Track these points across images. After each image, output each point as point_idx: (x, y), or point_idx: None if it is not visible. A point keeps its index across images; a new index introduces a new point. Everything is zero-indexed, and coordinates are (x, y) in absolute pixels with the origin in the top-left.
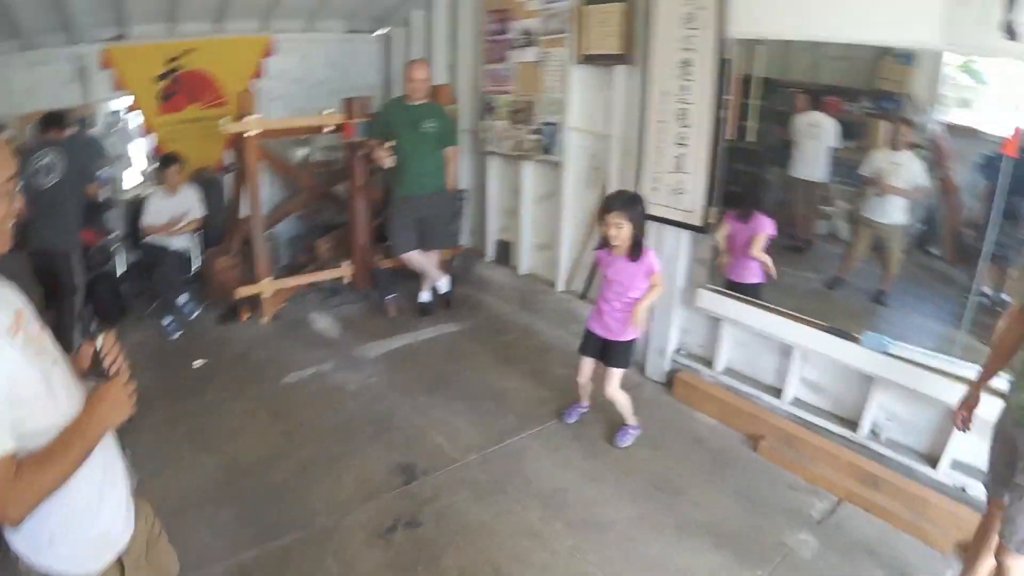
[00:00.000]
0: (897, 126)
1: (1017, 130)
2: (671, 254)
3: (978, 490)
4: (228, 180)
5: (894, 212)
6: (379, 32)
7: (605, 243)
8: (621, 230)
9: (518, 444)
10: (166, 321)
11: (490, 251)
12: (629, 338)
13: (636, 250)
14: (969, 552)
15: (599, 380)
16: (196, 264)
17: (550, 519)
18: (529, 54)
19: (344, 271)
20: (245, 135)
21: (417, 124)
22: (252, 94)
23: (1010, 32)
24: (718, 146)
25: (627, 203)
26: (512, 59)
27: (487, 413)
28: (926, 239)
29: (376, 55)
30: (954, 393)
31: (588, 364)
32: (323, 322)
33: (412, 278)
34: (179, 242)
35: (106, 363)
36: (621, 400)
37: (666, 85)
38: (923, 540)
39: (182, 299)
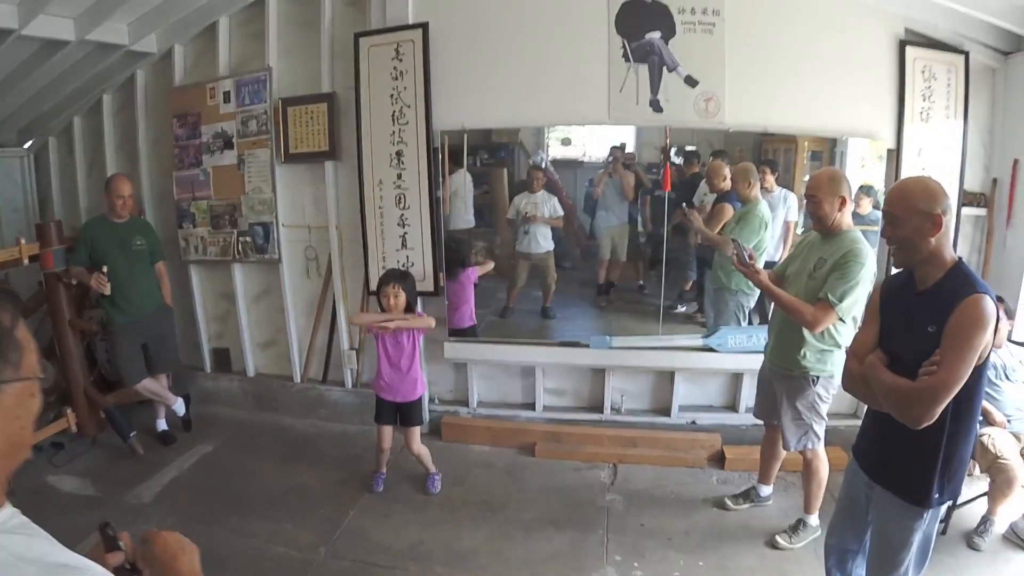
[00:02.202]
0: (532, 172)
1: (667, 168)
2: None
3: (705, 420)
4: None
5: (543, 242)
6: (28, 144)
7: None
8: (398, 299)
9: (351, 524)
10: None
11: (208, 362)
12: (419, 395)
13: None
14: (761, 459)
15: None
16: None
17: (426, 570)
18: (227, 157)
19: (65, 421)
20: None
21: (126, 243)
22: None
23: (656, 107)
24: (436, 221)
25: (401, 276)
26: (208, 163)
27: (302, 511)
28: (561, 256)
29: (24, 171)
30: (662, 360)
31: (388, 431)
32: (69, 483)
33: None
34: None
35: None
36: (424, 452)
37: (382, 175)
38: (685, 466)
39: None
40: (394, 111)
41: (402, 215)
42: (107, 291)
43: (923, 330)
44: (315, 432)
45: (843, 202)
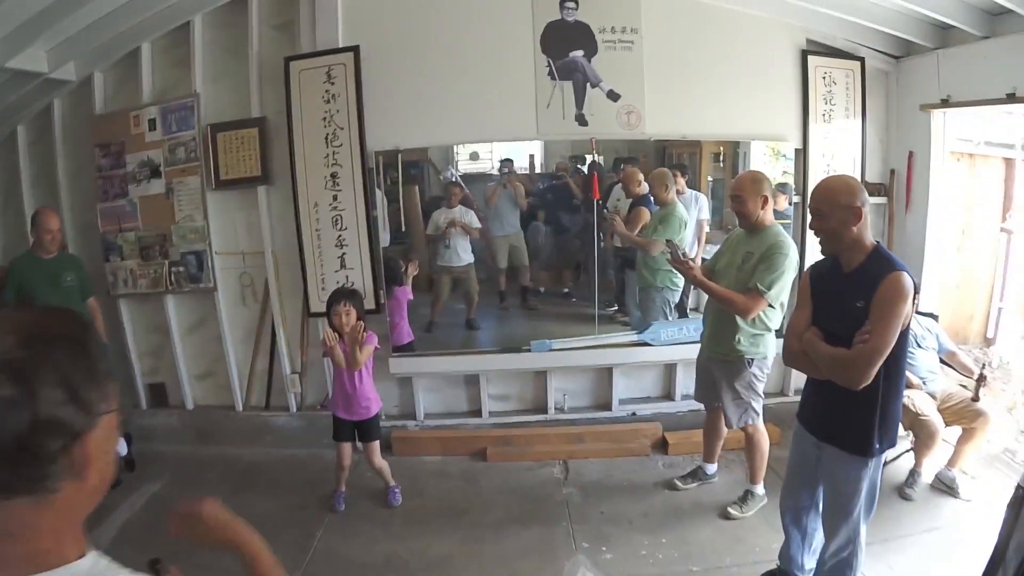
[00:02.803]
0: (449, 188)
1: (595, 177)
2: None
3: (644, 411)
4: None
5: (464, 255)
6: None
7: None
8: (350, 316)
9: (321, 546)
10: None
11: (143, 398)
12: (376, 411)
13: (358, 330)
14: (704, 440)
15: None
16: None
17: None
18: (155, 186)
19: None
20: None
21: (57, 280)
22: None
23: (582, 121)
24: (375, 240)
25: (350, 294)
26: (134, 193)
27: (268, 539)
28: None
29: None
30: (600, 358)
31: (347, 448)
32: None
33: None
34: None
35: None
36: (385, 466)
37: (317, 197)
38: (631, 455)
39: None
40: (327, 133)
41: (340, 235)
42: None
43: (852, 306)
44: (264, 459)
45: (765, 200)
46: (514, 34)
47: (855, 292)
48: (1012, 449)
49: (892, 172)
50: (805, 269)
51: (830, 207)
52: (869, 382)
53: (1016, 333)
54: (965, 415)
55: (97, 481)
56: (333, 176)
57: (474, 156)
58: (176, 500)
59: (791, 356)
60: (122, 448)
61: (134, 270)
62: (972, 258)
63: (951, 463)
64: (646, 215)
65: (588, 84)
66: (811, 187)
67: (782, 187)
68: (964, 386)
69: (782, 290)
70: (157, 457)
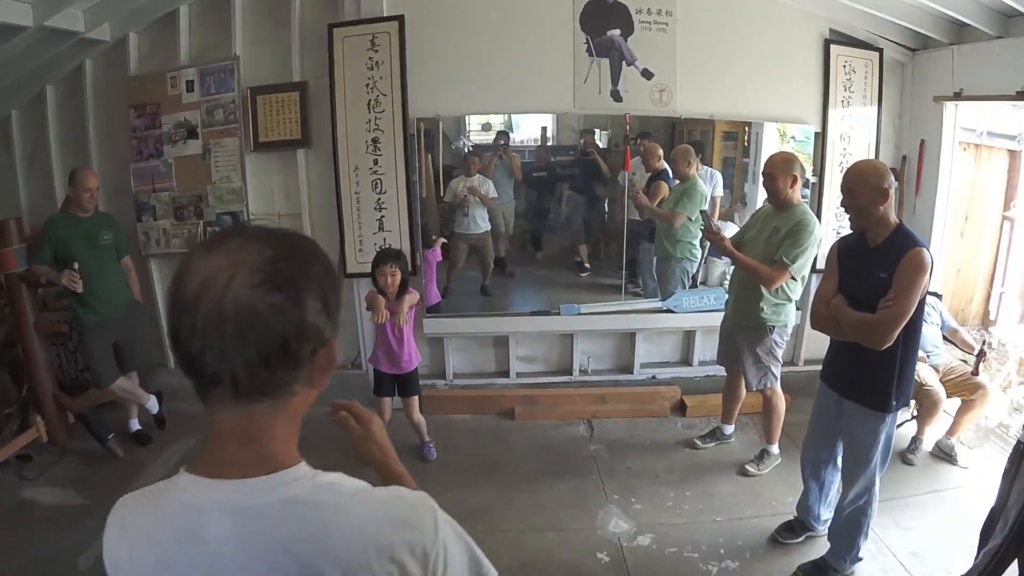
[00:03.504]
0: (468, 158)
1: (627, 151)
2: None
3: (663, 375)
4: None
5: (482, 223)
6: None
7: (379, 293)
8: (395, 277)
9: None
10: None
11: (172, 357)
12: (416, 366)
13: (403, 291)
14: (724, 402)
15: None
16: None
17: None
18: (191, 147)
19: (35, 431)
20: None
21: (94, 238)
22: None
23: (616, 97)
24: (413, 204)
25: (396, 256)
26: (169, 154)
27: None
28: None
29: None
30: (623, 324)
31: (388, 402)
32: (50, 495)
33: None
34: None
35: None
36: (422, 421)
37: (358, 161)
38: (651, 416)
39: None
40: (370, 100)
41: (379, 199)
42: (80, 289)
43: (877, 277)
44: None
45: (794, 180)
46: (554, 11)
47: (880, 264)
48: (1006, 424)
49: (904, 158)
50: (833, 243)
51: (861, 187)
52: (891, 344)
53: (1015, 316)
54: (965, 387)
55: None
56: (374, 141)
57: (486, 127)
58: None
59: (819, 320)
60: (153, 406)
61: (167, 230)
62: (974, 244)
63: (950, 432)
64: (665, 189)
65: (624, 62)
66: (828, 168)
67: None
68: (964, 361)
69: (805, 264)
70: (185, 416)
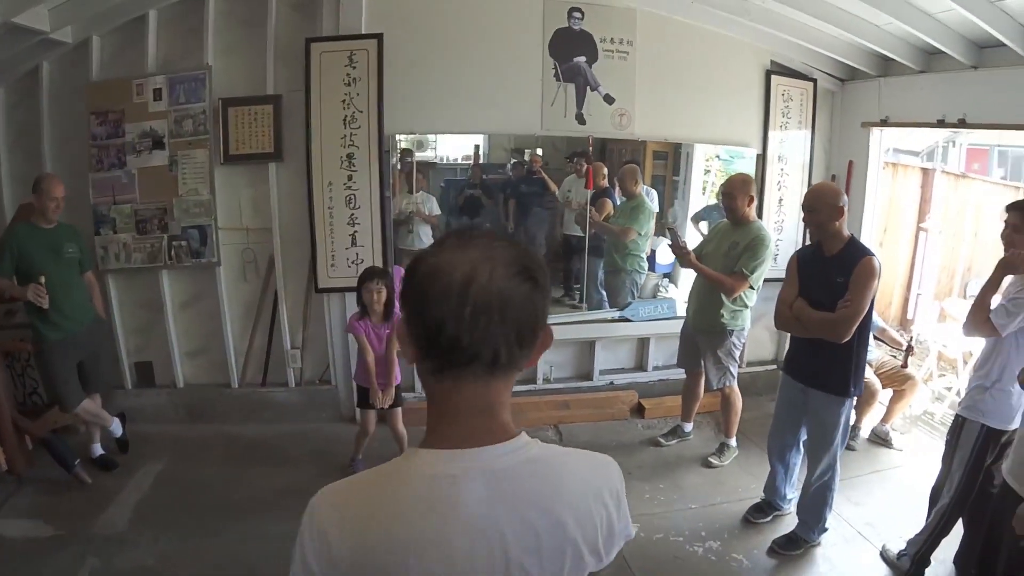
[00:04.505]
0: (412, 175)
1: (589, 169)
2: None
3: (620, 380)
4: None
5: (425, 239)
6: None
7: (363, 314)
8: (382, 294)
9: None
10: None
11: (129, 378)
12: (398, 380)
13: (389, 309)
14: (683, 401)
15: None
16: None
17: None
18: (156, 158)
19: None
20: None
21: (59, 251)
22: None
23: (581, 120)
24: (387, 220)
25: (382, 273)
26: (133, 164)
27: (298, 507)
28: None
29: None
30: (585, 333)
31: (373, 415)
32: (15, 527)
33: None
34: None
35: None
36: (405, 433)
37: (331, 176)
38: (613, 419)
39: None
40: (346, 115)
41: (352, 214)
42: (46, 304)
43: (834, 281)
44: (265, 435)
45: (751, 200)
46: (526, 36)
47: (836, 270)
48: (930, 411)
49: (833, 177)
50: (792, 254)
51: (821, 205)
52: (849, 337)
53: (931, 315)
54: (896, 379)
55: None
56: (349, 157)
57: (420, 145)
58: (185, 479)
59: (783, 321)
60: (116, 428)
61: (128, 243)
62: (891, 253)
63: (884, 420)
64: (609, 206)
65: (588, 87)
66: (768, 187)
67: None
68: (893, 356)
69: (761, 275)
70: (148, 437)
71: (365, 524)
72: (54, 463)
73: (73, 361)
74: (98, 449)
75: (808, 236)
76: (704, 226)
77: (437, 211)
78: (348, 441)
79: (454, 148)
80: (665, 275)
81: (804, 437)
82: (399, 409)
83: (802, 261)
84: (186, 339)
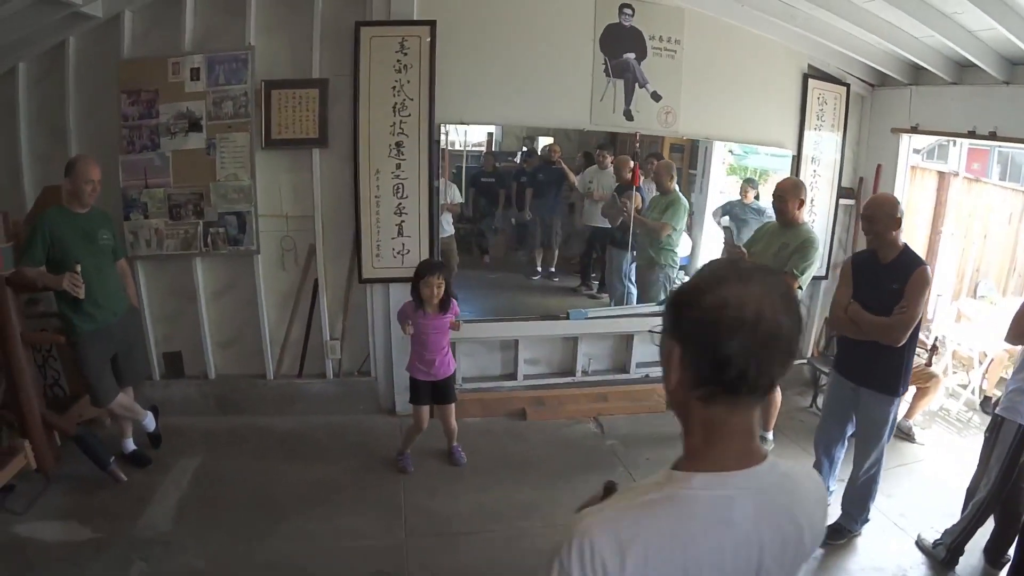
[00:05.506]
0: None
1: (636, 167)
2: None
3: (656, 372)
4: None
5: (447, 227)
6: None
7: (418, 305)
8: (441, 288)
9: (408, 504)
10: None
11: (157, 368)
12: (453, 371)
13: (446, 302)
14: None
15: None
16: None
17: (509, 526)
18: (193, 140)
19: (23, 459)
20: None
21: (92, 237)
22: None
23: (629, 116)
24: (434, 210)
25: (441, 267)
26: (167, 147)
27: (348, 502)
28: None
29: None
30: (623, 326)
31: (425, 411)
32: (48, 530)
33: None
34: None
35: None
36: (456, 428)
37: (379, 164)
38: (650, 411)
39: None
40: (396, 103)
41: (399, 204)
42: (82, 294)
43: (889, 288)
44: (300, 427)
45: (801, 203)
46: (577, 31)
47: (892, 277)
48: (947, 407)
49: (861, 180)
50: (847, 258)
51: (880, 215)
52: (904, 341)
53: (949, 316)
54: (920, 376)
55: None
56: (398, 145)
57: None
58: (224, 475)
59: (837, 322)
60: (150, 423)
61: (160, 229)
62: None
63: (908, 415)
64: (637, 199)
65: (637, 84)
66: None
67: (752, 183)
68: (917, 354)
69: (810, 276)
70: (179, 431)
71: (650, 551)
72: (82, 459)
73: (108, 353)
74: (130, 444)
75: (847, 236)
76: (726, 221)
77: (459, 199)
78: (386, 434)
79: (468, 135)
80: (681, 267)
81: (850, 432)
82: (452, 405)
83: (857, 266)
84: (219, 329)
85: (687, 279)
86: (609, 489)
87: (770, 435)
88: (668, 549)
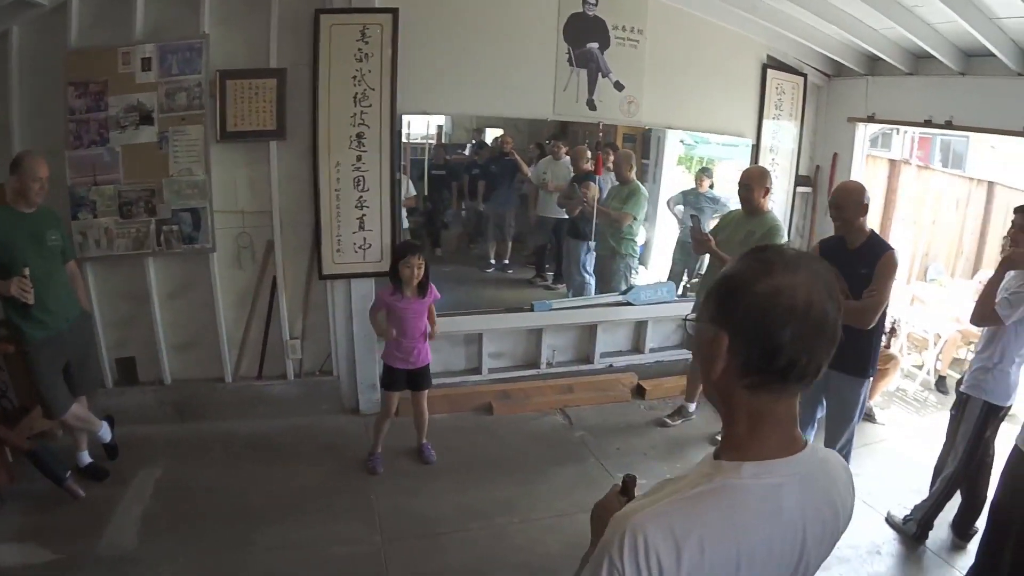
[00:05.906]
0: None
1: (599, 156)
2: (365, 300)
3: (619, 363)
4: None
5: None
6: None
7: (396, 288)
8: (421, 269)
9: (383, 507)
10: None
11: (110, 375)
12: (430, 360)
13: (424, 285)
14: (688, 382)
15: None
16: None
17: (488, 524)
18: (144, 134)
19: None
20: None
21: (41, 239)
22: None
23: (592, 106)
24: (396, 203)
25: (421, 248)
26: (117, 141)
27: (322, 509)
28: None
29: None
30: (585, 317)
31: (396, 398)
32: (8, 554)
33: None
34: None
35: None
36: (427, 417)
37: (340, 156)
38: (615, 401)
39: None
40: (356, 93)
41: (360, 197)
42: (31, 300)
43: (858, 273)
44: (264, 431)
45: (766, 191)
46: (541, 20)
47: (860, 262)
48: (903, 388)
49: (817, 168)
50: (815, 243)
51: (847, 202)
52: (873, 324)
53: (904, 299)
54: (880, 358)
55: None
56: (359, 136)
57: None
58: (189, 485)
59: None
60: (105, 434)
61: (110, 229)
62: None
63: (868, 396)
64: (595, 189)
65: (600, 73)
66: None
67: (707, 172)
68: None
69: None
70: (136, 440)
71: (705, 543)
72: (36, 475)
73: (60, 362)
74: (86, 457)
75: (804, 223)
76: (680, 210)
77: (413, 192)
78: (353, 434)
79: (416, 127)
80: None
81: (820, 415)
82: (425, 392)
83: (826, 251)
84: (174, 331)
85: (729, 267)
86: (628, 483)
87: (692, 406)
88: (723, 541)
